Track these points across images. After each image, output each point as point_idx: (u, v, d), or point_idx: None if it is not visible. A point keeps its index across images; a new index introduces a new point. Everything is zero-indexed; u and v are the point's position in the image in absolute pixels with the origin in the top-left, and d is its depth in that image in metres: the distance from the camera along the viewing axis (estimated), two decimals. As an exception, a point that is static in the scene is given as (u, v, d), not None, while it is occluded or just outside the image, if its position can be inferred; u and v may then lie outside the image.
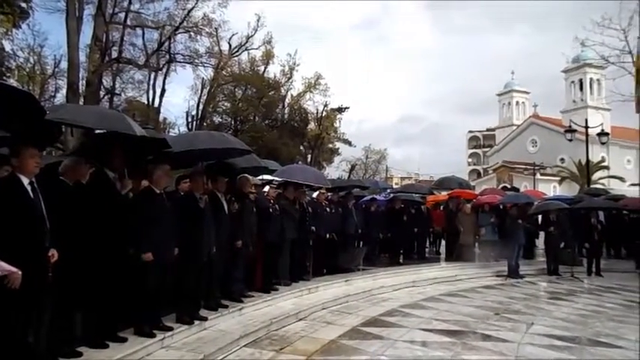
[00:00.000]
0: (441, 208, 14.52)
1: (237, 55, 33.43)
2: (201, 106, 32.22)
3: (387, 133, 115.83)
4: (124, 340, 4.52)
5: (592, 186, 26.09)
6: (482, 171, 62.66)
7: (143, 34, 26.56)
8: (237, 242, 6.34)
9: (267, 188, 8.19)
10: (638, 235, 13.74)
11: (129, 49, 26.60)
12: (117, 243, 4.52)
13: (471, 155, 71.03)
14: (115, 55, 24.97)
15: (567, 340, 5.96)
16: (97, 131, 4.99)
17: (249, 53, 34.17)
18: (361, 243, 11.01)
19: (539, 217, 13.06)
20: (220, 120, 36.32)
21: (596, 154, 37.45)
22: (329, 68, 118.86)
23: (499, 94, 63.84)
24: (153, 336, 4.73)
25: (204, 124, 32.27)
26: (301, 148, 40.55)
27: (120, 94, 29.30)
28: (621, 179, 38.42)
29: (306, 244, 8.45)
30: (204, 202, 5.71)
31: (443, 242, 14.80)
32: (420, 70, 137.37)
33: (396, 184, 46.43)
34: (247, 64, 35.28)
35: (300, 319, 6.59)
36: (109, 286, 4.40)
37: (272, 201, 7.72)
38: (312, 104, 38.75)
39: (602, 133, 22.12)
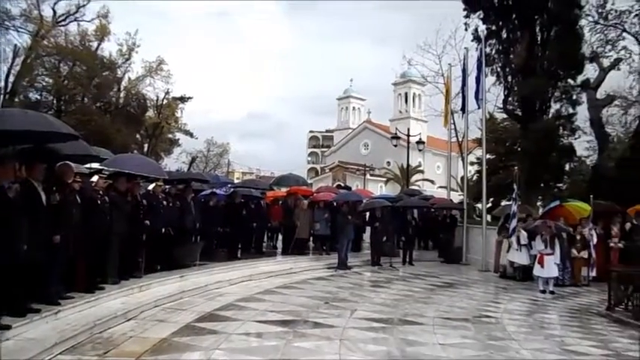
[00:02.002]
0: (280, 203, 15.02)
1: (63, 25, 29.46)
2: (12, 79, 27.27)
3: (233, 127, 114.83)
4: None
5: (410, 187, 29.92)
6: (319, 169, 66.55)
7: None
8: (55, 237, 5.62)
9: (95, 178, 7.42)
10: (442, 230, 16.29)
11: None
12: None
13: (310, 154, 74.89)
14: None
15: (383, 322, 6.78)
16: None
17: (79, 25, 30.40)
18: (199, 238, 10.74)
19: (367, 213, 14.46)
20: (39, 97, 31.31)
21: (415, 159, 43.04)
22: (175, 55, 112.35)
23: (339, 99, 68.63)
24: None
25: (16, 100, 27.41)
26: (137, 136, 37.65)
27: None
28: (432, 182, 45.04)
29: (139, 239, 7.92)
30: (15, 192, 4.93)
31: (280, 237, 15.33)
32: (271, 69, 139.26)
33: (237, 178, 46.43)
34: (77, 38, 31.27)
35: (129, 319, 6.16)
36: None
37: (100, 192, 7.04)
38: (153, 90, 36.35)
39: (419, 142, 25.57)
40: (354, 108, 67.62)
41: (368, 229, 14.39)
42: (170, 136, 41.11)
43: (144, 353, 4.91)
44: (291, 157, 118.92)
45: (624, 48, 17.89)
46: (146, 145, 37.40)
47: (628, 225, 12.08)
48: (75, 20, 29.35)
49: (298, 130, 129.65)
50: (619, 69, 19.05)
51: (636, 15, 16.92)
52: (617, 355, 5.91)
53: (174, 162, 43.97)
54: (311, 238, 14.38)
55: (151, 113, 37.48)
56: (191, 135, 41.77)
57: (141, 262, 8.11)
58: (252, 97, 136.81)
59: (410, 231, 14.45)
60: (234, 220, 11.87)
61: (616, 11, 17.45)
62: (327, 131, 72.96)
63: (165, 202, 9.06)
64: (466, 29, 20.16)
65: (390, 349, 5.49)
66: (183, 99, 38.82)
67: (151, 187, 9.38)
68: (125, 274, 7.55)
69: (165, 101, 37.30)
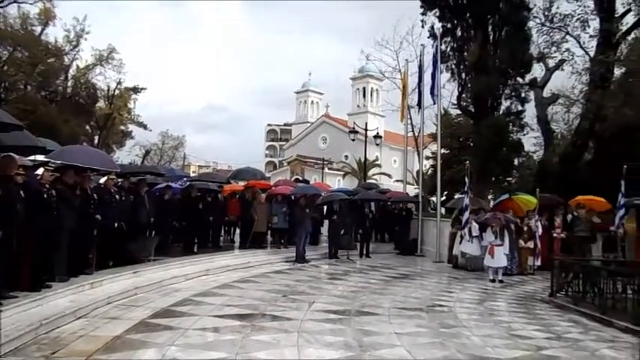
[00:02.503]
0: (237, 197, 14.86)
1: (1, 7, 27.55)
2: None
3: (190, 119, 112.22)
4: None
5: (367, 181, 30.33)
6: (277, 163, 66.38)
7: None
8: (-5, 233, 5.32)
9: (40, 171, 7.05)
10: (398, 223, 16.66)
11: None
12: None
13: (268, 147, 74.47)
14: None
15: (340, 313, 6.88)
16: None
17: (19, 7, 28.58)
18: (153, 232, 10.47)
19: (325, 207, 14.56)
20: (-28, 84, 29.30)
21: (372, 153, 43.66)
22: (128, 44, 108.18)
23: (297, 93, 68.52)
24: None
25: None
26: (87, 127, 36.08)
27: None
28: (389, 176, 45.89)
29: (89, 234, 7.62)
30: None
31: (237, 230, 15.18)
32: (229, 61, 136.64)
33: (194, 172, 45.49)
34: (17, 21, 29.41)
35: (79, 318, 5.93)
36: None
37: (47, 186, 6.70)
38: (103, 80, 34.86)
39: (377, 136, 25.94)
40: (312, 102, 67.76)
41: (326, 222, 14.50)
42: (122, 127, 39.66)
43: (95, 352, 4.75)
44: (249, 150, 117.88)
45: (567, 50, 18.81)
46: (97, 137, 35.89)
47: (569, 216, 12.81)
48: (15, 2, 27.56)
49: (256, 124, 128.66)
50: (563, 69, 20.03)
51: (578, 19, 17.82)
52: (558, 337, 6.29)
53: (126, 155, 42.55)
54: (269, 232, 14.33)
55: (101, 104, 35.97)
56: (145, 127, 40.49)
57: (92, 258, 7.81)
58: (210, 89, 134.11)
59: (367, 224, 14.68)
60: (191, 214, 11.65)
61: (560, 15, 18.29)
62: (285, 125, 72.77)
63: (117, 196, 8.76)
64: (422, 26, 20.62)
65: (347, 339, 5.58)
66: (136, 89, 37.49)
67: (102, 180, 9.05)
68: (75, 271, 7.26)
69: (117, 91, 35.88)
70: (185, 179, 14.53)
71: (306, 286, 9.18)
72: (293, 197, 14.13)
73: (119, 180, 9.63)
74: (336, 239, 13.76)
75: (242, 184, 15.84)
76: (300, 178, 36.10)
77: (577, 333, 6.59)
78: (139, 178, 10.50)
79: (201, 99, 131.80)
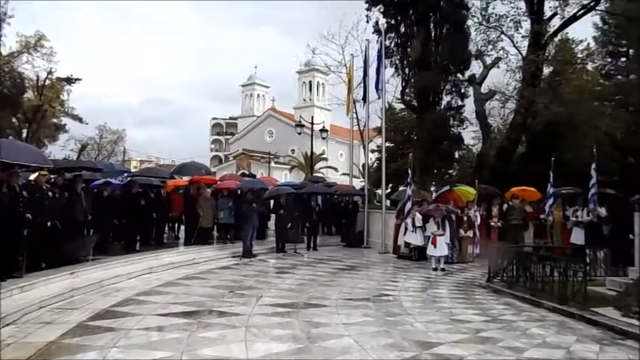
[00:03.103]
0: (181, 192, 14.45)
1: None
2: None
3: (130, 112, 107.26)
4: None
5: (314, 174, 30.50)
6: (223, 157, 65.13)
7: None
8: None
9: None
10: (345, 215, 16.89)
11: None
12: None
13: (213, 142, 72.80)
14: None
15: (288, 307, 6.89)
16: None
17: None
18: (91, 230, 9.96)
19: (272, 201, 14.48)
20: None
21: (319, 147, 43.86)
22: (62, 32, 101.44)
23: (243, 86, 67.41)
24: None
25: None
26: (14, 120, 33.54)
27: None
28: (336, 169, 46.29)
29: (18, 234, 7.12)
30: None
31: (182, 227, 14.79)
32: (171, 53, 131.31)
33: (135, 167, 43.71)
34: None
35: (8, 324, 5.53)
36: None
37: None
38: (32, 69, 32.49)
39: (323, 130, 26.09)
40: (258, 95, 66.97)
41: (273, 216, 14.44)
42: (55, 120, 37.22)
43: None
44: (194, 144, 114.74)
45: (503, 48, 19.80)
46: (25, 131, 33.49)
47: (505, 206, 13.58)
48: None
49: (201, 117, 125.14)
50: (499, 67, 21.13)
51: (512, 20, 18.82)
52: (494, 319, 6.69)
53: (60, 150, 40.01)
54: (215, 227, 14.07)
55: (30, 95, 33.55)
56: (80, 120, 38.21)
57: (21, 260, 7.31)
58: (151, 81, 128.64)
59: (314, 217, 14.79)
60: (132, 210, 11.18)
61: (496, 15, 19.21)
62: (230, 118, 71.38)
63: (50, 194, 8.26)
64: (367, 21, 20.98)
65: (295, 332, 5.61)
66: (69, 80, 35.29)
67: (32, 177, 8.47)
68: (2, 274, 6.76)
69: (47, 82, 33.60)
70: (126, 174, 13.95)
71: (253, 280, 9.11)
72: (239, 192, 13.94)
73: (52, 176, 9.06)
74: (283, 233, 13.75)
75: (186, 179, 15.41)
76: (247, 173, 35.71)
77: (510, 315, 7.03)
78: (74, 174, 9.95)
79: (142, 91, 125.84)
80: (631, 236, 8.78)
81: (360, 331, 5.76)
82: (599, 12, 20.47)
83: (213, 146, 72.33)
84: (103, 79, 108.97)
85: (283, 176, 45.95)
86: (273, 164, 47.61)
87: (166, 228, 14.79)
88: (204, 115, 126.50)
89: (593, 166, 11.61)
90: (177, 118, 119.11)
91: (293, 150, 50.96)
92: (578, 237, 11.93)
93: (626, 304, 6.66)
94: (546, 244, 12.39)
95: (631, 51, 25.02)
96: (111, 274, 8.54)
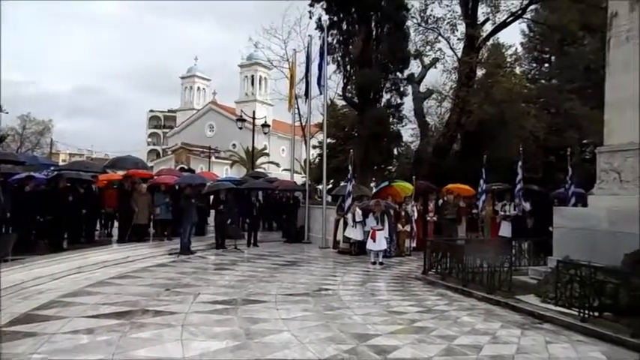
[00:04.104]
0: (115, 187, 13.75)
1: None
2: None
3: (57, 102, 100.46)
4: None
5: (255, 169, 30.20)
6: (161, 151, 62.75)
7: None
8: None
9: None
10: (285, 211, 16.86)
11: None
12: None
13: (151, 135, 69.89)
14: None
15: (227, 304, 6.77)
16: None
17: None
18: (11, 228, 9.23)
19: (211, 196, 14.16)
20: None
21: (261, 142, 43.56)
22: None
23: (182, 78, 65.22)
24: None
25: None
26: None
27: None
28: (277, 164, 46.12)
29: None
30: None
31: (116, 223, 14.10)
32: (103, 41, 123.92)
33: (64, 160, 41.16)
34: None
35: None
36: None
37: None
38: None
39: (265, 125, 25.85)
40: (198, 88, 65.13)
41: (212, 212, 14.13)
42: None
43: None
44: (130, 138, 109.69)
45: (440, 49, 20.65)
46: None
47: (440, 202, 14.17)
48: None
49: (137, 109, 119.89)
50: (436, 67, 22.00)
51: (448, 22, 19.65)
52: (429, 310, 6.97)
53: (-27, 141, 36.70)
54: (151, 224, 13.54)
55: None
56: (-1, 109, 35.25)
57: None
58: (78, 69, 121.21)
59: (254, 213, 14.62)
60: (59, 206, 10.48)
61: (434, 17, 19.99)
62: (169, 111, 68.82)
63: (-38, 188, 7.54)
64: (310, 17, 21.00)
65: (234, 329, 5.52)
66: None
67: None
68: None
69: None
70: (52, 168, 13.07)
71: (191, 278, 8.86)
72: (177, 187, 13.50)
73: (-35, 169, 8.30)
74: (223, 229, 13.50)
75: (121, 173, 14.69)
76: (186, 167, 34.68)
77: (443, 305, 7.35)
78: (-9, 167, 9.18)
79: (70, 80, 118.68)
80: (550, 229, 9.49)
81: (300, 325, 5.78)
82: (525, 20, 21.89)
83: (150, 140, 69.41)
84: (27, 65, 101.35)
85: (224, 171, 45.07)
86: (213, 159, 46.49)
87: (98, 225, 14.05)
88: (141, 107, 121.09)
89: (520, 163, 12.48)
90: (112, 109, 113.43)
91: (234, 145, 50.10)
92: (505, 230, 12.75)
93: (544, 290, 7.17)
94: (478, 237, 13.09)
95: (553, 57, 27.03)
96: (32, 274, 7.98)
